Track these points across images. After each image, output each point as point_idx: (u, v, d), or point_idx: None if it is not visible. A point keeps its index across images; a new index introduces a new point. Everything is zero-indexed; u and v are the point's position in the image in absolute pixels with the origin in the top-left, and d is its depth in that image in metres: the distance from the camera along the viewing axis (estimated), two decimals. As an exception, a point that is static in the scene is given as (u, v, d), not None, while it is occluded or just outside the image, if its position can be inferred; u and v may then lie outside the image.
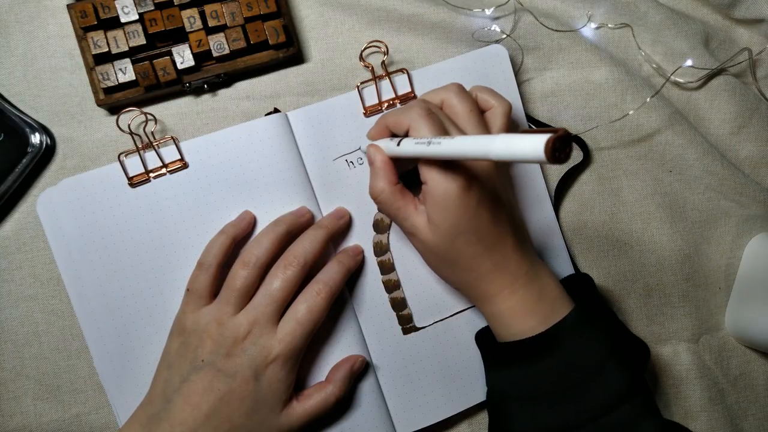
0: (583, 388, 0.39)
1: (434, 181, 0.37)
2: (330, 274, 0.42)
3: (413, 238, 0.41)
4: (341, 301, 0.45)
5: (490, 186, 0.39)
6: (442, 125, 0.38)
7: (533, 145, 0.27)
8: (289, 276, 0.40)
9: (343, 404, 0.44)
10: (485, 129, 0.41)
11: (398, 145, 0.39)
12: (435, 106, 0.40)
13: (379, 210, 0.42)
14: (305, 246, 0.41)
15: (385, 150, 0.41)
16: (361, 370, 0.44)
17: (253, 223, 0.44)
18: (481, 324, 0.47)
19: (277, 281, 0.40)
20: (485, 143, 0.30)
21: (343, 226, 0.45)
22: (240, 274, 0.40)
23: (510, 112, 0.43)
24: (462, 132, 0.39)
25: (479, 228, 0.38)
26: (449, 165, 0.37)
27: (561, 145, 0.26)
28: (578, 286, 0.44)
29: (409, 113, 0.39)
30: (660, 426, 0.39)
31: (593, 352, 0.39)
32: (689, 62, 0.49)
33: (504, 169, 0.44)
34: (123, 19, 0.44)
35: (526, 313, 0.40)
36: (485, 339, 0.45)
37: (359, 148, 0.46)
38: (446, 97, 0.41)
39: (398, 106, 0.46)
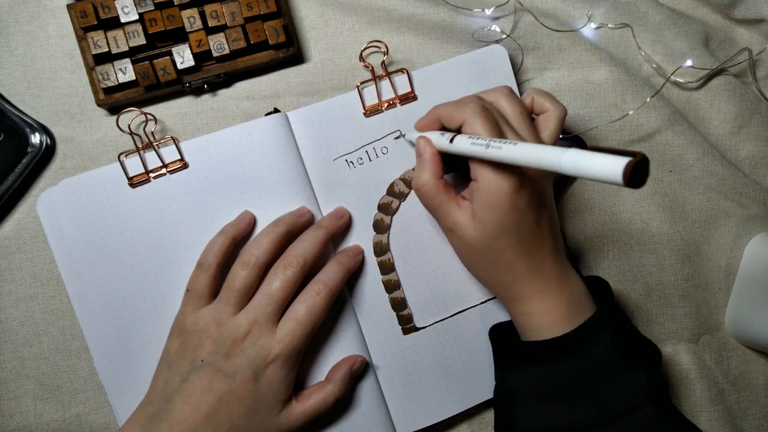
0: (602, 390, 0.39)
1: (486, 178, 0.37)
2: (330, 274, 0.42)
3: (452, 234, 0.41)
4: (341, 301, 0.45)
5: (540, 189, 0.39)
6: (497, 124, 0.38)
7: (611, 166, 0.26)
8: (288, 276, 0.40)
9: (343, 404, 0.44)
10: (535, 132, 0.40)
11: (451, 141, 0.38)
12: (489, 104, 0.40)
13: (422, 202, 0.42)
14: (305, 246, 0.41)
15: (434, 142, 0.40)
16: (360, 370, 0.44)
17: (253, 223, 0.44)
18: (482, 324, 0.47)
19: (277, 281, 0.40)
20: (555, 154, 0.29)
21: (343, 226, 0.45)
22: (239, 274, 0.40)
23: (565, 117, 0.42)
24: (515, 133, 0.39)
25: (522, 229, 0.38)
26: (503, 164, 0.36)
27: (640, 170, 0.26)
28: (596, 289, 0.44)
29: (464, 108, 0.38)
30: (679, 429, 0.39)
31: (614, 355, 0.39)
32: (689, 62, 0.49)
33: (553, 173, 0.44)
34: (123, 19, 0.44)
35: (556, 315, 0.40)
36: (499, 335, 0.45)
37: (403, 136, 0.46)
38: (495, 99, 0.41)
39: (398, 106, 0.46)
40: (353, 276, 0.45)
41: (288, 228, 0.42)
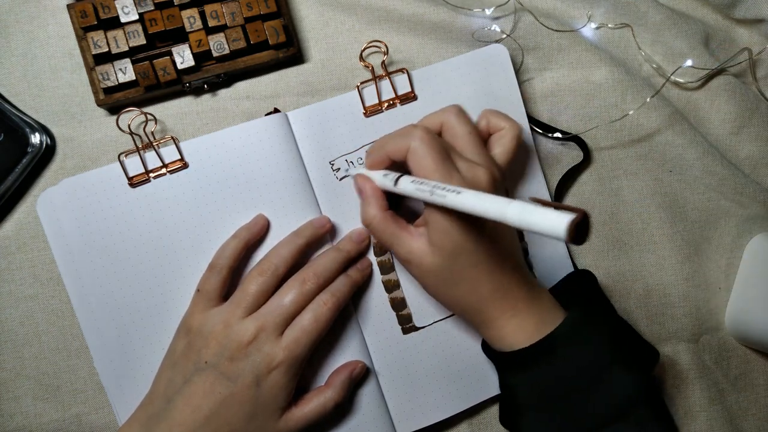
0: (587, 394, 0.39)
1: (438, 208, 0.37)
2: (338, 286, 0.42)
3: (409, 264, 0.41)
4: (341, 301, 0.45)
5: None
6: (444, 151, 0.38)
7: (554, 224, 0.27)
8: (304, 291, 0.41)
9: (343, 404, 0.44)
10: (485, 151, 0.41)
11: (395, 184, 0.38)
12: (439, 125, 0.41)
13: (373, 236, 0.43)
14: (325, 266, 0.42)
15: (379, 184, 0.41)
16: (361, 376, 0.45)
17: (267, 228, 0.44)
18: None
19: (292, 294, 0.40)
20: (500, 207, 0.30)
21: (362, 250, 0.45)
22: (256, 279, 0.40)
23: (521, 135, 0.43)
24: (461, 157, 0.39)
25: (481, 248, 0.38)
26: None
27: (583, 227, 0.27)
28: (580, 283, 0.44)
29: (409, 137, 0.38)
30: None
31: (592, 357, 0.39)
32: (689, 62, 0.49)
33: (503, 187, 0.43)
34: (123, 19, 0.44)
35: (527, 332, 0.40)
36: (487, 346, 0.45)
37: (347, 173, 0.46)
38: (445, 119, 0.41)
39: (398, 106, 0.46)
40: (353, 276, 0.46)
41: (308, 240, 0.43)
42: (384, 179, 0.40)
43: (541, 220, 0.27)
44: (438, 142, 0.38)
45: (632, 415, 0.38)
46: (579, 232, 0.26)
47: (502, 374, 0.43)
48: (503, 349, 0.41)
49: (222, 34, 0.44)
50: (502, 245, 0.40)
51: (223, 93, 0.48)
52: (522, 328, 0.40)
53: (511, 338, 0.40)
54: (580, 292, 0.43)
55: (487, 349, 0.44)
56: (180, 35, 0.45)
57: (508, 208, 0.29)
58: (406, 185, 0.38)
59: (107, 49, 0.44)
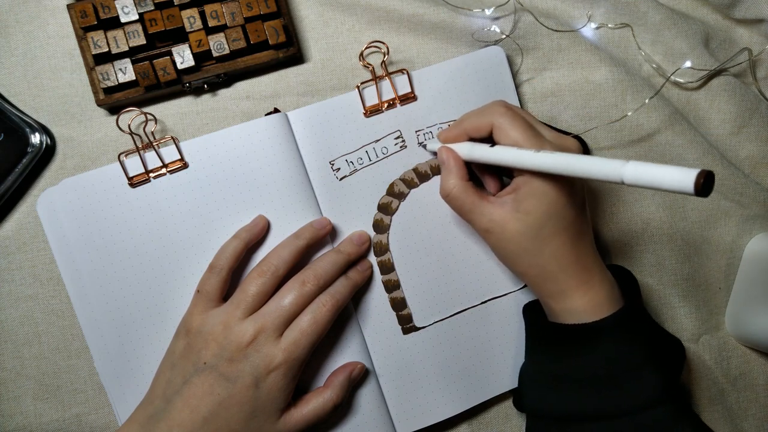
0: (626, 382, 0.39)
1: (532, 172, 0.37)
2: (338, 287, 0.42)
3: (489, 234, 0.40)
4: (341, 301, 0.45)
5: (580, 180, 0.40)
6: (530, 123, 0.38)
7: (681, 177, 0.27)
8: (304, 293, 0.41)
9: (342, 404, 0.44)
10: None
11: (490, 147, 0.38)
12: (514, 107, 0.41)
13: (452, 207, 0.42)
14: (325, 268, 0.42)
15: (468, 153, 0.40)
16: (360, 377, 0.45)
17: (267, 228, 0.44)
18: (481, 324, 0.47)
19: (291, 296, 0.40)
20: (615, 167, 0.30)
21: (362, 252, 0.45)
22: (256, 280, 0.40)
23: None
24: (545, 126, 0.39)
25: (570, 215, 0.38)
26: None
27: (709, 178, 0.26)
28: (621, 280, 0.44)
29: (491, 113, 0.38)
30: (696, 428, 0.39)
31: (637, 349, 0.39)
32: (688, 63, 0.49)
33: None
34: (123, 19, 0.44)
35: (595, 306, 0.40)
36: (533, 314, 0.45)
37: (424, 146, 0.46)
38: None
39: (398, 106, 0.46)
40: (353, 276, 0.46)
41: (308, 242, 0.43)
42: (472, 149, 0.40)
43: (667, 175, 0.27)
44: (522, 115, 0.38)
45: (657, 410, 0.38)
46: (706, 183, 0.26)
47: (553, 349, 0.42)
48: (568, 320, 0.40)
49: (222, 34, 0.44)
50: (585, 216, 0.40)
51: (223, 93, 0.48)
52: (593, 302, 0.40)
53: (581, 312, 0.40)
54: (624, 285, 0.43)
55: (530, 316, 0.44)
56: (180, 35, 0.45)
57: (626, 167, 0.29)
58: (505, 150, 0.37)
59: (107, 49, 0.44)
